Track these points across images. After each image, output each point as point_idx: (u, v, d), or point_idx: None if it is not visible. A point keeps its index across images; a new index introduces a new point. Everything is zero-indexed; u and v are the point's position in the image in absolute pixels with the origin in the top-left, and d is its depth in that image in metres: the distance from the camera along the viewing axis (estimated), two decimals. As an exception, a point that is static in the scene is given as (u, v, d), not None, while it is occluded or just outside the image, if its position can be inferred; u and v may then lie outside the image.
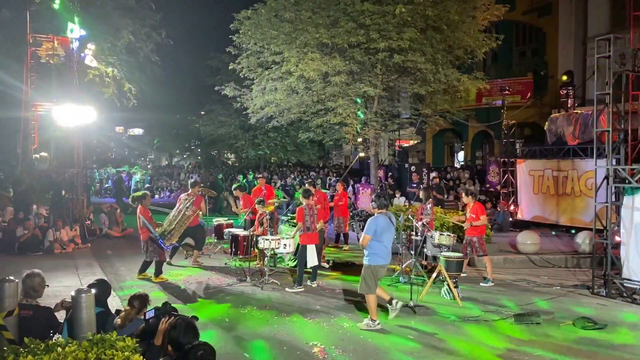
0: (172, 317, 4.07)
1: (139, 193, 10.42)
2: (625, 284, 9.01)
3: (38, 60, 14.21)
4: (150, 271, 10.05)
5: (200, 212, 10.95)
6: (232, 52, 16.53)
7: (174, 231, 10.06)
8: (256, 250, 10.62)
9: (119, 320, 4.90)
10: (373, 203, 7.45)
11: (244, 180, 21.99)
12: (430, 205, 10.81)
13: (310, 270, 9.61)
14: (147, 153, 47.82)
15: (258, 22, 15.11)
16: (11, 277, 4.67)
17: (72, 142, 15.00)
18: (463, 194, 10.41)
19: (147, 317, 4.37)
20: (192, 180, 12.44)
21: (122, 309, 5.31)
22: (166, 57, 21.74)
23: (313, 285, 9.51)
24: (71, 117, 13.75)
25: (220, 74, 24.75)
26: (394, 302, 7.52)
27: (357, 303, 8.48)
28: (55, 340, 3.90)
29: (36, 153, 14.65)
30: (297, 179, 24.03)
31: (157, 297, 8.48)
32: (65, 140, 15.08)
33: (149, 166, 43.65)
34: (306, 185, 12.42)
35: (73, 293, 4.45)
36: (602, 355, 6.41)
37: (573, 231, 13.46)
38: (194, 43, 29.86)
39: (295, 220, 10.28)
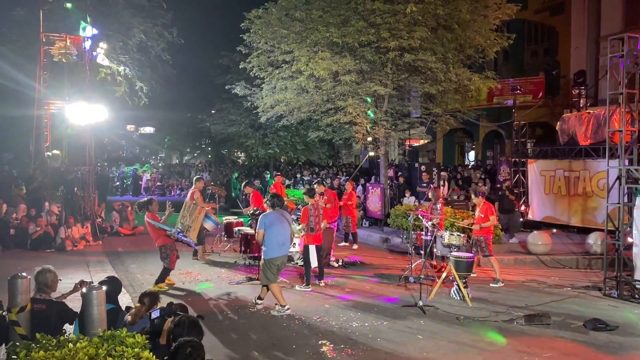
0: (177, 317, 4.10)
1: (144, 200, 9.82)
2: (637, 286, 8.92)
3: (51, 58, 14.35)
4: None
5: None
6: (243, 51, 16.57)
7: (191, 226, 9.93)
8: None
9: (129, 317, 4.94)
10: (267, 202, 8.29)
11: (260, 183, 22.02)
12: (440, 205, 10.78)
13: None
14: (158, 151, 48.10)
15: (269, 21, 15.14)
16: (23, 274, 4.73)
17: (84, 140, 15.15)
18: (472, 194, 10.37)
19: (152, 317, 4.41)
20: (196, 177, 12.48)
21: (133, 306, 5.35)
22: (177, 56, 21.83)
23: (321, 285, 9.53)
24: (83, 115, 13.87)
25: (230, 72, 24.81)
26: (285, 307, 7.74)
27: (366, 302, 8.49)
28: (66, 335, 3.95)
29: (49, 151, 14.82)
30: (307, 178, 24.03)
31: (166, 296, 8.55)
32: (77, 138, 15.22)
33: (160, 164, 43.92)
34: (314, 184, 12.41)
35: (84, 290, 4.49)
36: (613, 356, 6.36)
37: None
38: (205, 42, 29.86)
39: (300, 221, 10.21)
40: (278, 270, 7.96)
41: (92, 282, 5.13)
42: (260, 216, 8.04)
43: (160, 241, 9.30)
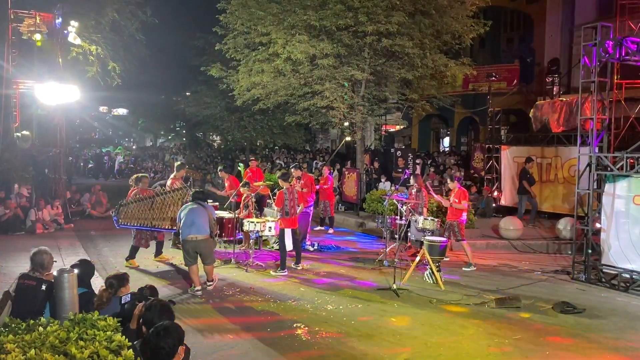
0: (148, 301, 4.06)
1: (141, 174, 10.59)
2: (604, 270, 9.18)
3: (20, 36, 13.90)
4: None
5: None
6: (219, 32, 16.32)
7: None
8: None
9: (96, 300, 4.84)
10: (191, 197, 8.64)
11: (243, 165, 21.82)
12: (415, 190, 10.81)
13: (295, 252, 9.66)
14: (131, 133, 47.38)
15: (245, 2, 14.90)
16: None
17: (55, 121, 14.78)
18: (448, 180, 10.46)
19: (123, 302, 4.36)
20: (178, 164, 12.37)
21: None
22: (151, 36, 21.33)
23: (297, 268, 9.56)
24: (54, 95, 13.51)
25: (206, 54, 24.38)
26: (197, 289, 8.06)
27: (341, 285, 8.55)
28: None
29: (18, 132, 14.40)
30: (281, 162, 23.94)
31: (139, 280, 8.49)
32: (48, 119, 14.85)
33: (133, 147, 43.29)
34: (291, 168, 12.38)
35: (55, 273, 4.41)
36: (580, 338, 6.54)
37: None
38: (180, 22, 29.25)
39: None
40: (193, 254, 8.08)
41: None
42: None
43: None
